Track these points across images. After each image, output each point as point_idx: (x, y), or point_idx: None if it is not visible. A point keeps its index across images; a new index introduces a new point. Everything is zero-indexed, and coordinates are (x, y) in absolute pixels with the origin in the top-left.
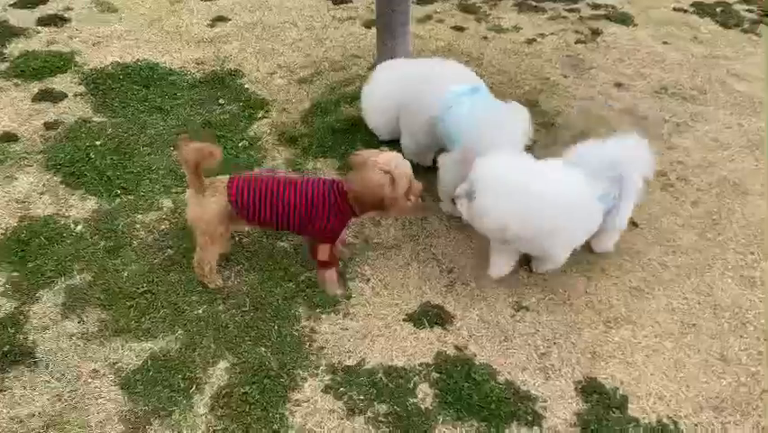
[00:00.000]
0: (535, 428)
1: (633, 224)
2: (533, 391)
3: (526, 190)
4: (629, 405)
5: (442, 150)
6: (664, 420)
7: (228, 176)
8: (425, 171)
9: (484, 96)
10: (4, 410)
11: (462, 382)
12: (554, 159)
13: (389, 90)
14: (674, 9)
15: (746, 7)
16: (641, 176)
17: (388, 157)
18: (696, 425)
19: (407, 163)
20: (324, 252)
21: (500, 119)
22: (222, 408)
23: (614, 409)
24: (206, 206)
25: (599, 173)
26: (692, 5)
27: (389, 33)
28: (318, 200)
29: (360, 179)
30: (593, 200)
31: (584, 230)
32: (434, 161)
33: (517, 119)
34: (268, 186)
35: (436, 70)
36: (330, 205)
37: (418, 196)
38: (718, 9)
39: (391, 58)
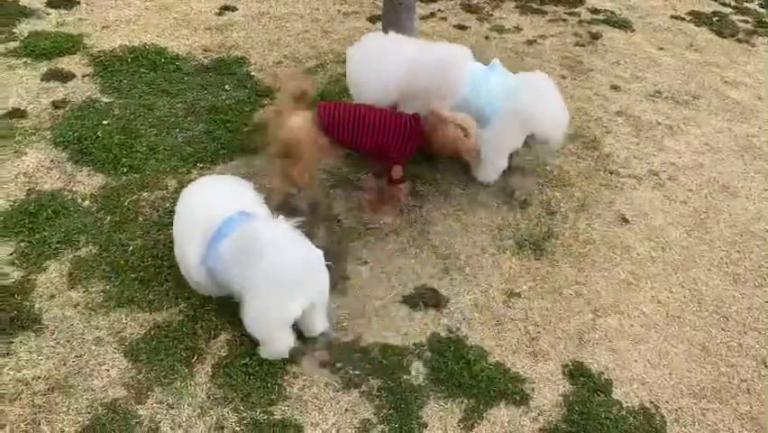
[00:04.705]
0: (522, 406)
1: (624, 220)
2: (522, 373)
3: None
4: (613, 389)
5: None
6: (646, 405)
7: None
8: (422, 159)
9: (501, 71)
10: (11, 373)
11: (454, 362)
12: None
13: (389, 75)
14: (672, 17)
15: (742, 18)
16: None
17: (462, 115)
18: (676, 410)
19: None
20: (397, 171)
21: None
22: (222, 377)
23: (599, 393)
24: (297, 116)
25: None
26: (689, 14)
27: (395, 29)
28: (399, 125)
29: (441, 134)
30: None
31: None
32: None
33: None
34: (353, 109)
35: (443, 55)
36: (407, 132)
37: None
38: (715, 18)
39: None
